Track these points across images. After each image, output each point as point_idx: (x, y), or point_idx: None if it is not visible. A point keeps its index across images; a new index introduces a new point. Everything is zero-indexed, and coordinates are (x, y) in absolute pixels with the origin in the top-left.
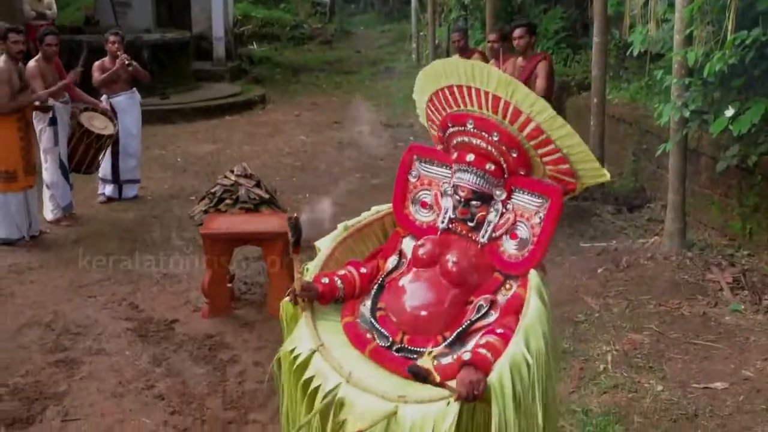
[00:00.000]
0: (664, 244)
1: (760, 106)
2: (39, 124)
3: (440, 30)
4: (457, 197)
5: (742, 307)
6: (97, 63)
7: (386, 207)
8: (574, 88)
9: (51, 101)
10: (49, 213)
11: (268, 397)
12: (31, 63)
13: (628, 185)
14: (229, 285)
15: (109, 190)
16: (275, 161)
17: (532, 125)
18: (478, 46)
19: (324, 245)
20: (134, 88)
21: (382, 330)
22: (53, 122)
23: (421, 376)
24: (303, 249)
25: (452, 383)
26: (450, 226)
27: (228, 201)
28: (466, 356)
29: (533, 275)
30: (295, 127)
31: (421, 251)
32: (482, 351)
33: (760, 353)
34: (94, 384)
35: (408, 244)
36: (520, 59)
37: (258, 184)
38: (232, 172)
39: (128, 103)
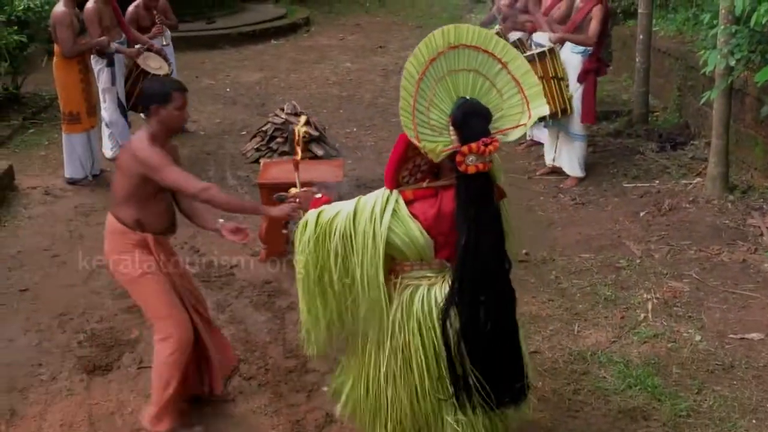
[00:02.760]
0: (707, 187)
1: None
2: (97, 64)
3: None
4: None
5: None
6: (130, 11)
7: None
8: (620, 16)
9: (112, 46)
10: (108, 151)
11: None
12: (89, 5)
13: (673, 121)
14: (284, 231)
15: None
16: (322, 91)
17: None
18: None
19: None
20: (166, 32)
21: None
22: (111, 63)
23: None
24: None
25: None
26: None
27: (279, 139)
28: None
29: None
30: (340, 53)
31: None
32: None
33: None
34: None
35: None
36: (578, 2)
37: (308, 122)
38: (283, 110)
39: (160, 45)
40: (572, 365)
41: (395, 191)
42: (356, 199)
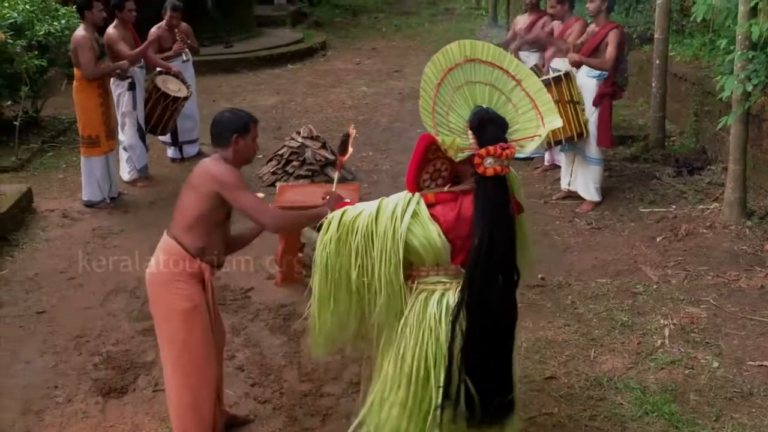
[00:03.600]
0: (724, 212)
1: None
2: (118, 89)
3: None
4: None
5: None
6: (152, 35)
7: None
8: (636, 41)
9: (130, 70)
10: (125, 174)
11: (341, 370)
12: (110, 30)
13: (689, 146)
14: (300, 254)
15: (171, 152)
16: (338, 115)
17: None
18: None
19: None
20: (186, 49)
21: None
22: (132, 87)
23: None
24: None
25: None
26: None
27: (295, 163)
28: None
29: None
30: (357, 77)
31: None
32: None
33: None
34: None
35: None
36: (592, 26)
37: (324, 146)
38: (299, 133)
39: (182, 67)
40: (588, 391)
41: (417, 194)
42: (379, 199)
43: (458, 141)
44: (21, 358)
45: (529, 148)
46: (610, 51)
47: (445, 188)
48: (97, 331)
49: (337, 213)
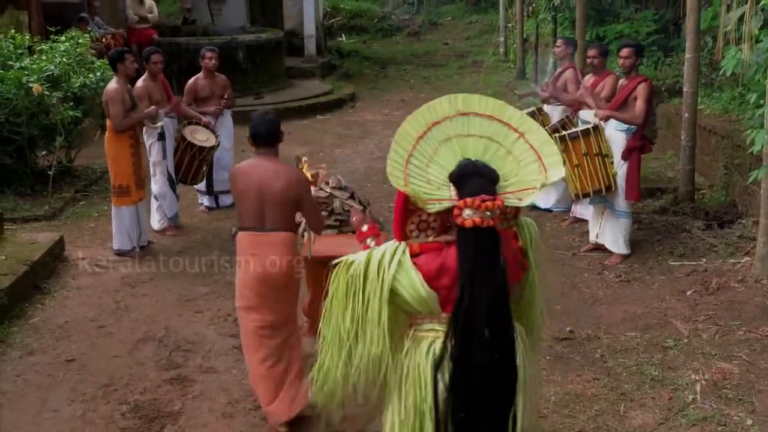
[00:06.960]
0: (755, 266)
1: None
2: (149, 139)
3: (528, 23)
4: None
5: None
6: (190, 83)
7: None
8: (665, 94)
9: (160, 122)
10: (155, 223)
11: (368, 422)
12: (140, 83)
13: (719, 199)
14: None
15: (206, 200)
16: (366, 166)
17: None
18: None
19: None
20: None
21: None
22: (162, 137)
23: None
24: None
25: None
26: None
27: (323, 213)
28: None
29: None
30: (385, 128)
31: None
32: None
33: None
34: (205, 403)
35: None
36: (622, 80)
37: (352, 196)
38: (327, 183)
39: (221, 119)
40: None
41: (403, 243)
42: (369, 250)
43: (423, 194)
44: (49, 406)
45: (527, 201)
46: (639, 105)
47: (430, 238)
48: (126, 379)
49: (345, 265)
